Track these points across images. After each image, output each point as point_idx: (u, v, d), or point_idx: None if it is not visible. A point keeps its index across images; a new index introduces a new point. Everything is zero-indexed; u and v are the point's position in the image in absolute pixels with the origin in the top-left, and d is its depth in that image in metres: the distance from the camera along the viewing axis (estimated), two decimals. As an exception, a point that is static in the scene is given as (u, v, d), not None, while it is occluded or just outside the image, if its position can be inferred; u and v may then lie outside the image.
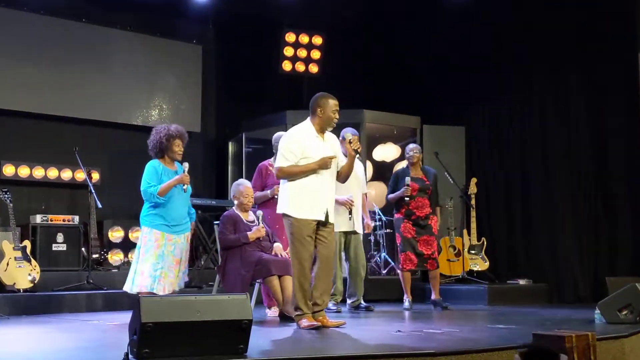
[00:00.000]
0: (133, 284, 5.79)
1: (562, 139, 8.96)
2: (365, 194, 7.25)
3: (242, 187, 6.38)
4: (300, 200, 5.31)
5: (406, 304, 7.30)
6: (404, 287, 7.34)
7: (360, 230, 7.03)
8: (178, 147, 5.93)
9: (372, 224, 7.47)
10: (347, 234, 6.92)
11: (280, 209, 5.43)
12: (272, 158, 6.69)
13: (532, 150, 9.21)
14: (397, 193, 7.27)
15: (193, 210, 6.19)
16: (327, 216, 5.36)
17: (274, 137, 6.72)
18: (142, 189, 5.83)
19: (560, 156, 8.94)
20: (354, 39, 10.44)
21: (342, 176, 5.56)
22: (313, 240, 5.31)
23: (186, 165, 5.94)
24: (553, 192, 8.95)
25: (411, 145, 7.49)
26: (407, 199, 7.16)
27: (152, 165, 5.89)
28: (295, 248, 5.29)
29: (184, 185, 5.87)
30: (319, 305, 5.34)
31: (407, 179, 7.22)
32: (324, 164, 5.32)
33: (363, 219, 7.11)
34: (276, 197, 5.89)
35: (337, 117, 5.39)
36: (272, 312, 6.41)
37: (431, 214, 7.32)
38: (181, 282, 5.96)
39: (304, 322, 5.23)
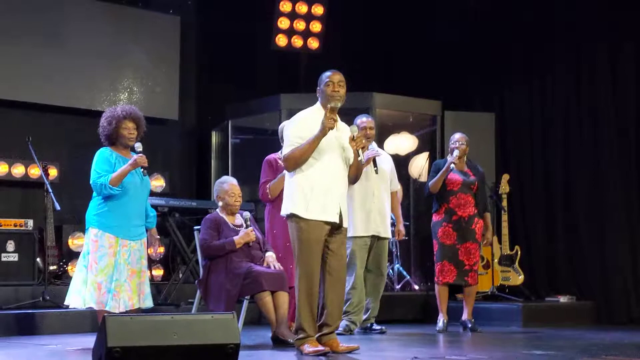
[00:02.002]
0: (83, 298, 5.67)
1: (617, 125, 8.93)
2: (396, 191, 7.24)
3: (228, 186, 6.39)
4: (308, 198, 5.28)
5: (440, 324, 7.30)
6: (438, 304, 7.37)
7: (388, 235, 7.03)
8: (127, 131, 5.83)
9: (404, 231, 7.45)
10: (372, 238, 6.90)
11: (285, 209, 5.41)
12: (280, 151, 6.68)
13: (578, 141, 9.20)
14: (443, 169, 7.22)
15: (153, 212, 6.11)
16: (340, 218, 5.36)
17: (280, 126, 6.67)
18: (91, 181, 5.77)
19: (614, 147, 8.93)
20: (361, 8, 10.43)
21: (350, 177, 5.54)
22: (323, 246, 5.31)
23: (139, 145, 5.83)
24: (604, 191, 8.95)
25: (457, 135, 7.44)
26: (453, 164, 7.13)
27: (102, 154, 5.82)
28: (302, 255, 5.26)
29: (142, 169, 5.77)
30: (329, 326, 5.35)
31: (456, 152, 7.23)
32: (325, 126, 5.20)
33: (393, 223, 7.16)
34: None
35: (337, 90, 5.36)
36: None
37: (476, 216, 7.36)
38: (146, 300, 5.89)
39: (308, 348, 5.21)
